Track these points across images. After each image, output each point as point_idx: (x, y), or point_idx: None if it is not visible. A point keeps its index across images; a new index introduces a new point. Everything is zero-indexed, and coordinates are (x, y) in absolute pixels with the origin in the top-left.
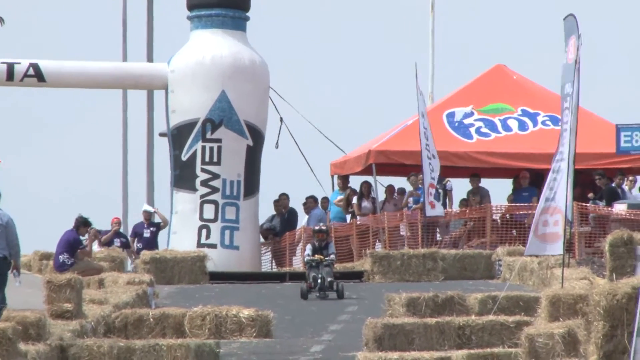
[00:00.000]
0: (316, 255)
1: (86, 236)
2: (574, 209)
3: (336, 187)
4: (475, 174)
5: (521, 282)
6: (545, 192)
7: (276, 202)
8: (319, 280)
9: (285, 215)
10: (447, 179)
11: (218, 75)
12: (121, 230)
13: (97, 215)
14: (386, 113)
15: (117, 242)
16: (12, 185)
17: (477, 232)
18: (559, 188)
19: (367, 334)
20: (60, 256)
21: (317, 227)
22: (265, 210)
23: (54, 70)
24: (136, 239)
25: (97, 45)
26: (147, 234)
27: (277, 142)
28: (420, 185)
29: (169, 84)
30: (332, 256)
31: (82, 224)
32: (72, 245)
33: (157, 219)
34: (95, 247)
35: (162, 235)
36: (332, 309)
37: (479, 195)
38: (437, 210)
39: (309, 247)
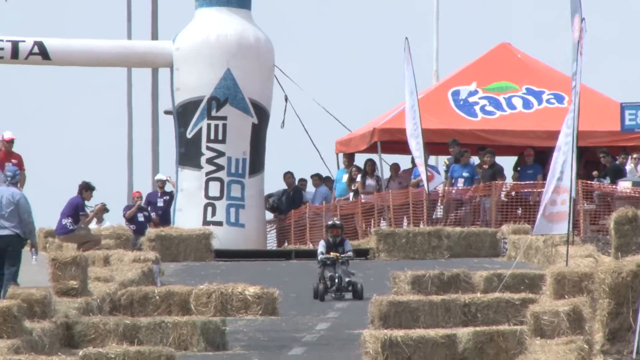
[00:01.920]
0: (331, 253)
1: (92, 201)
2: (579, 186)
3: (341, 165)
4: (482, 147)
5: (526, 259)
6: (555, 172)
7: (286, 176)
8: (336, 280)
9: (290, 193)
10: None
11: (223, 53)
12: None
13: (103, 192)
14: (391, 91)
15: (140, 216)
16: None
17: (484, 209)
18: (566, 167)
19: (372, 311)
20: (63, 220)
21: (330, 222)
22: (270, 189)
23: (58, 48)
24: (150, 208)
25: (102, 23)
26: (160, 202)
27: (283, 121)
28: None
29: (174, 62)
30: (350, 254)
31: (84, 188)
32: (76, 209)
33: (169, 188)
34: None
35: None
36: None
37: (491, 156)
38: (436, 181)
39: (322, 243)
